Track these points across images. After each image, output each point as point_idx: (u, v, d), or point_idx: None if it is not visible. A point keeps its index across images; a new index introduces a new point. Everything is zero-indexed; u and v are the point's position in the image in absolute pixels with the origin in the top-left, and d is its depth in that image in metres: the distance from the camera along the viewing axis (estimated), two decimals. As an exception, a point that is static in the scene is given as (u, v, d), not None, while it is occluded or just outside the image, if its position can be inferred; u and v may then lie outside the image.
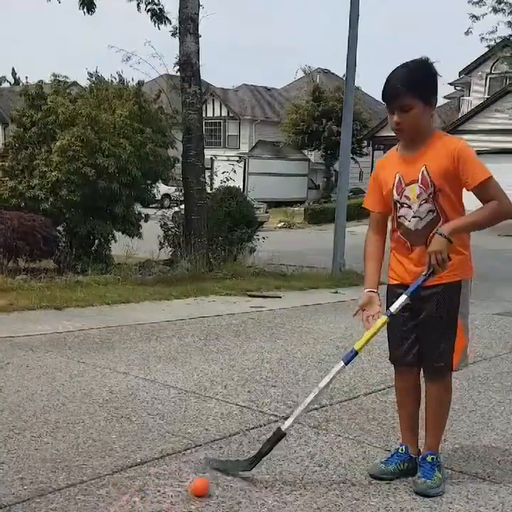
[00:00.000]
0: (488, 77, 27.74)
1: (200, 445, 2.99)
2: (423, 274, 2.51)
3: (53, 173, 8.18)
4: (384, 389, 4.04)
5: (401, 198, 2.61)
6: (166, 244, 9.85)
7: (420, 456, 2.69)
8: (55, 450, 2.88)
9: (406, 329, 2.67)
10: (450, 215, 2.55)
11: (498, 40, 18.54)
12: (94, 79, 9.71)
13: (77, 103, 8.69)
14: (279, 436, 2.65)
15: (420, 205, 2.56)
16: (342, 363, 2.65)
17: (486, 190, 2.50)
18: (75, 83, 10.27)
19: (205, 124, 14.04)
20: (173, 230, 9.88)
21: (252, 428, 3.26)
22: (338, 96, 24.73)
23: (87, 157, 8.17)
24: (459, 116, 26.65)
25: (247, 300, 7.33)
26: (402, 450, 2.76)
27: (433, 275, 2.49)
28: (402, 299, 2.54)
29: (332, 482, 2.67)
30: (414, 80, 2.48)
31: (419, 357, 2.68)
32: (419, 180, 2.55)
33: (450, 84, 31.30)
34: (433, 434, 2.69)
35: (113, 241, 9.21)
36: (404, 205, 2.60)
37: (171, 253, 9.70)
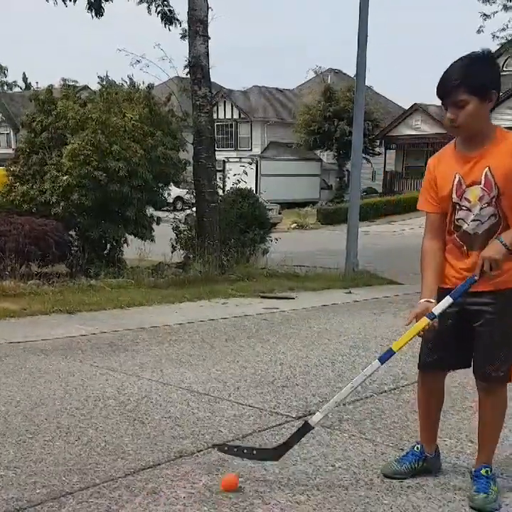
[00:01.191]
0: (500, 74, 27.50)
1: (213, 447, 2.97)
2: (471, 277, 2.41)
3: (64, 178, 8.25)
4: (397, 388, 4.00)
5: (461, 200, 2.45)
6: (179, 246, 9.87)
7: (474, 470, 2.59)
8: (68, 453, 2.88)
9: (446, 336, 2.53)
10: (510, 218, 2.42)
11: (509, 38, 18.42)
12: (104, 82, 9.78)
13: (87, 107, 8.74)
14: (306, 430, 2.62)
15: (482, 208, 2.42)
16: (378, 363, 2.54)
17: None
18: (85, 87, 10.37)
19: (216, 126, 14.07)
20: (185, 232, 9.91)
21: (265, 429, 3.24)
22: (350, 96, 24.65)
23: (97, 161, 8.22)
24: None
25: (260, 301, 7.31)
26: (417, 448, 2.72)
27: (481, 278, 2.39)
28: (447, 302, 2.43)
29: (345, 482, 2.64)
30: (469, 74, 2.33)
31: (452, 365, 2.64)
32: (482, 182, 2.40)
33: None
34: (488, 447, 2.59)
35: (125, 244, 9.26)
36: (464, 207, 2.45)
37: (183, 256, 9.72)
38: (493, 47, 23.94)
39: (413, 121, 29.86)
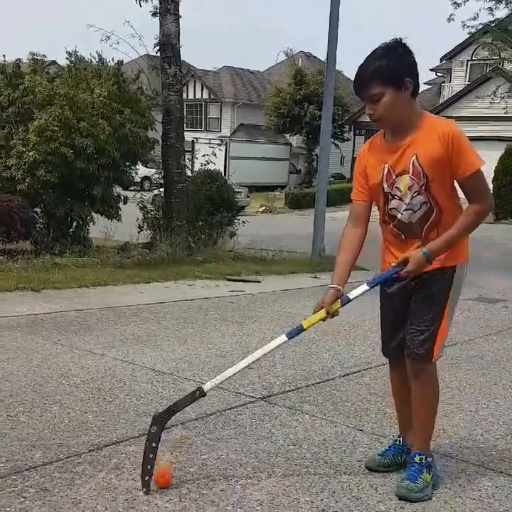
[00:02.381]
0: (469, 63, 27.89)
1: (176, 425, 3.02)
2: (393, 267, 2.42)
3: (30, 154, 8.07)
4: (359, 372, 4.11)
5: (392, 189, 2.43)
6: (145, 227, 9.79)
7: (409, 456, 2.54)
8: (32, 429, 2.89)
9: (396, 321, 2.54)
10: (444, 206, 2.40)
11: (479, 27, 18.67)
12: (73, 58, 9.56)
13: (54, 82, 8.55)
14: (197, 397, 2.51)
15: (413, 197, 2.40)
16: (285, 338, 2.55)
17: (474, 182, 2.35)
18: (53, 62, 10.12)
19: (185, 106, 13.93)
20: (152, 212, 9.83)
21: (228, 409, 3.30)
22: (320, 80, 24.65)
23: (64, 137, 8.07)
24: (440, 102, 26.78)
25: (226, 284, 7.35)
26: (399, 442, 2.67)
27: (398, 272, 2.40)
28: (363, 288, 2.42)
29: (305, 460, 2.72)
30: (380, 66, 2.29)
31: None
32: (411, 171, 2.37)
33: (431, 70, 31.44)
34: (422, 434, 2.53)
35: (91, 223, 9.15)
36: (396, 196, 2.43)
37: (150, 236, 9.66)
38: (464, 36, 24.30)
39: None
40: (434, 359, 2.47)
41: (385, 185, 2.44)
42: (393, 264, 2.44)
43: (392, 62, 2.30)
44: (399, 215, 2.45)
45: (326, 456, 2.78)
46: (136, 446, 2.76)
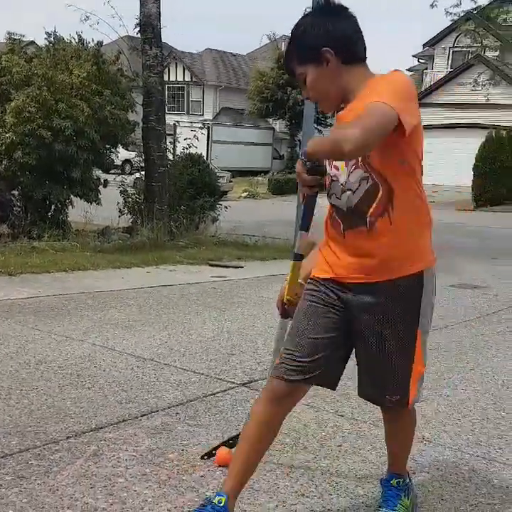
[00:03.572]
0: (451, 50, 27.95)
1: (157, 411, 2.99)
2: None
3: (7, 135, 7.91)
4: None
5: (331, 169, 1.93)
6: (126, 211, 9.69)
7: (384, 478, 2.20)
8: (8, 416, 2.84)
9: (323, 337, 1.94)
10: (395, 181, 1.84)
11: (461, 14, 18.69)
12: (52, 38, 9.35)
13: (33, 63, 8.37)
14: None
15: (350, 173, 1.87)
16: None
17: (365, 110, 1.74)
18: (32, 42, 9.90)
19: (167, 89, 13.75)
20: (133, 196, 9.72)
21: (210, 395, 3.28)
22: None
23: (42, 119, 7.92)
24: (423, 89, 26.83)
25: (208, 270, 7.31)
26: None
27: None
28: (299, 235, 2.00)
29: (285, 445, 2.72)
30: (295, 44, 1.95)
31: (324, 378, 2.03)
32: None
33: (414, 56, 31.48)
34: (398, 453, 2.18)
35: (70, 206, 9.02)
36: (334, 178, 1.93)
37: (131, 221, 9.56)
38: (446, 23, 24.31)
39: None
40: (411, 405, 2.00)
41: (328, 167, 1.92)
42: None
43: (306, 36, 1.91)
44: (338, 202, 1.93)
45: (306, 441, 2.78)
46: (115, 433, 2.73)
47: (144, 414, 2.96)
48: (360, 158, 1.83)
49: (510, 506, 2.32)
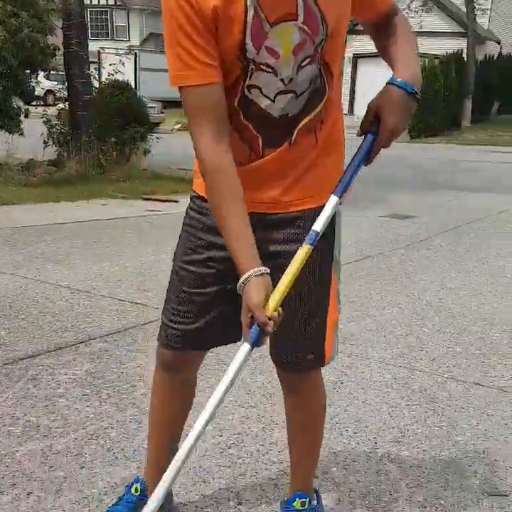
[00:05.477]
0: None
1: (94, 338, 3.01)
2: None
3: None
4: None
5: (258, 52, 1.28)
6: (51, 142, 9.25)
7: (286, 500, 1.70)
8: None
9: (211, 293, 1.50)
10: (334, 89, 1.39)
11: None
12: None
13: None
14: None
15: (300, 67, 1.31)
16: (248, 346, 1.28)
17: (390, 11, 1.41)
18: None
19: (89, 13, 12.94)
20: (57, 126, 9.27)
21: (148, 323, 3.29)
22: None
23: (-47, 42, 7.33)
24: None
25: (142, 204, 7.17)
26: (136, 490, 1.67)
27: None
28: (332, 201, 1.34)
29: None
30: None
31: (219, 340, 1.58)
32: (301, 18, 1.27)
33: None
34: (301, 466, 1.68)
35: (-10, 138, 8.55)
36: (265, 67, 1.30)
37: (56, 153, 9.16)
38: None
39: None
40: (327, 362, 1.57)
41: (249, 45, 1.27)
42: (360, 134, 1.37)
43: None
44: (264, 103, 1.34)
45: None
46: (53, 359, 2.75)
47: (82, 342, 2.97)
48: (318, 50, 1.31)
49: (427, 408, 2.50)
